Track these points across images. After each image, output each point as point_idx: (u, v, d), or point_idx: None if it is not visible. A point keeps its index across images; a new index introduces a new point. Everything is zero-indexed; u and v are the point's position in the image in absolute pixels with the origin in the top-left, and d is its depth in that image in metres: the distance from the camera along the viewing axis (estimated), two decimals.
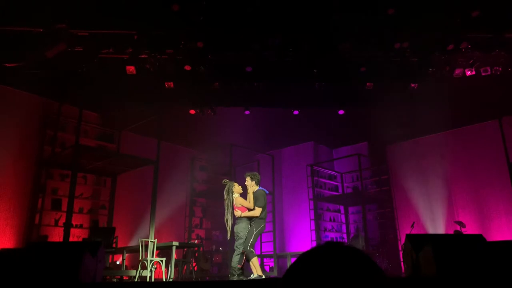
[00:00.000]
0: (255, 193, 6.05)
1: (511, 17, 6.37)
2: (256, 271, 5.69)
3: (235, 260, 5.76)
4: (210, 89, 7.76)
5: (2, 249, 4.98)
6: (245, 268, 6.15)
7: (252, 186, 6.18)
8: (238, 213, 5.96)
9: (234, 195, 6.07)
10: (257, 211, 5.89)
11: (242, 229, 5.86)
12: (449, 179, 10.22)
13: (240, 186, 6.23)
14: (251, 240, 5.78)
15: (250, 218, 5.96)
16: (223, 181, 6.34)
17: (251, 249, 5.75)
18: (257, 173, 6.42)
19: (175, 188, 10.78)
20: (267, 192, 6.29)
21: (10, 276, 3.12)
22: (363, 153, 11.39)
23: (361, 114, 9.41)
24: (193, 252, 9.09)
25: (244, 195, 6.22)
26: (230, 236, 6.17)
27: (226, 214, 6.07)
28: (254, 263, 5.74)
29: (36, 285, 3.09)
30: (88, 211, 9.33)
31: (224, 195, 6.14)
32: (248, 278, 5.74)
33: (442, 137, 10.46)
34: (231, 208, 6.05)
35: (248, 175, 6.27)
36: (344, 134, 11.28)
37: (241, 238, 5.82)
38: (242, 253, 5.80)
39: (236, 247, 5.83)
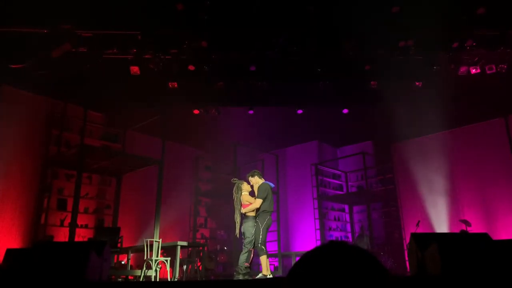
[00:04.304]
0: (258, 186, 6.10)
1: None
2: (263, 270, 5.71)
3: (242, 258, 5.77)
4: (214, 88, 7.77)
5: (8, 249, 5.01)
6: (251, 267, 6.15)
7: (256, 181, 6.21)
8: (243, 210, 6.00)
9: (243, 193, 6.11)
10: (257, 202, 5.93)
11: (249, 227, 5.89)
12: (455, 178, 10.17)
13: (249, 185, 6.27)
14: (260, 236, 5.79)
15: (255, 216, 5.98)
16: (232, 180, 6.38)
17: (262, 246, 5.77)
18: (254, 170, 6.44)
19: (179, 188, 10.80)
20: (272, 185, 6.33)
21: (18, 275, 3.15)
22: (367, 151, 11.36)
23: (366, 113, 9.38)
24: (198, 252, 9.11)
25: (253, 194, 6.25)
26: (238, 234, 6.18)
27: (236, 213, 6.11)
28: (263, 261, 5.76)
29: (43, 284, 3.12)
30: (94, 211, 9.37)
31: (234, 193, 6.17)
32: (253, 277, 5.75)
33: (447, 135, 10.40)
34: (239, 205, 6.08)
35: (248, 175, 6.34)
36: (349, 132, 11.25)
37: (248, 237, 5.84)
38: (250, 252, 5.83)
39: (244, 245, 5.85)
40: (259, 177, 6.27)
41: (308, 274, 0.75)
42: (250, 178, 6.27)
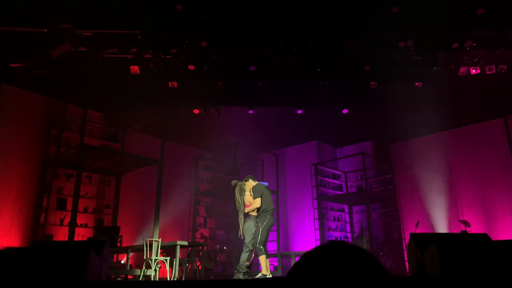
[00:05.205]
0: (253, 188, 6.12)
1: None
2: (262, 270, 5.72)
3: (243, 257, 5.78)
4: (214, 88, 7.77)
5: (8, 248, 5.01)
6: (251, 267, 6.15)
7: (251, 185, 6.22)
8: (246, 210, 6.01)
9: (246, 193, 6.11)
10: (257, 202, 5.94)
11: (250, 227, 5.90)
12: (454, 178, 10.17)
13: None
14: (259, 236, 5.79)
15: (256, 216, 5.98)
16: (232, 182, 6.36)
17: (260, 246, 5.77)
18: (247, 175, 6.44)
19: (179, 188, 10.79)
20: (266, 184, 6.34)
21: (17, 275, 3.14)
22: (367, 152, 11.36)
23: (365, 113, 9.38)
24: (197, 251, 9.10)
25: None
26: (242, 236, 6.16)
27: (240, 214, 6.11)
28: (261, 260, 5.77)
29: (42, 283, 3.12)
30: (93, 211, 9.36)
31: (237, 195, 6.15)
32: (253, 277, 5.75)
33: (447, 135, 10.41)
34: (243, 206, 6.07)
35: (243, 181, 6.32)
36: (348, 133, 11.26)
37: (249, 237, 5.85)
38: (251, 251, 5.84)
39: (245, 245, 5.86)
40: (253, 180, 6.28)
41: (308, 274, 0.75)
42: (246, 184, 6.27)
